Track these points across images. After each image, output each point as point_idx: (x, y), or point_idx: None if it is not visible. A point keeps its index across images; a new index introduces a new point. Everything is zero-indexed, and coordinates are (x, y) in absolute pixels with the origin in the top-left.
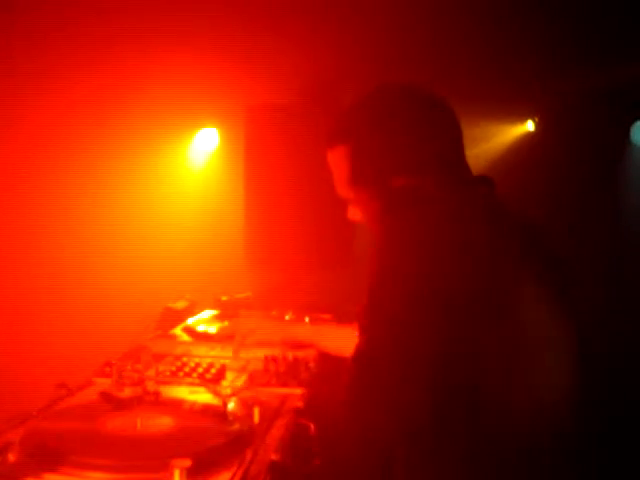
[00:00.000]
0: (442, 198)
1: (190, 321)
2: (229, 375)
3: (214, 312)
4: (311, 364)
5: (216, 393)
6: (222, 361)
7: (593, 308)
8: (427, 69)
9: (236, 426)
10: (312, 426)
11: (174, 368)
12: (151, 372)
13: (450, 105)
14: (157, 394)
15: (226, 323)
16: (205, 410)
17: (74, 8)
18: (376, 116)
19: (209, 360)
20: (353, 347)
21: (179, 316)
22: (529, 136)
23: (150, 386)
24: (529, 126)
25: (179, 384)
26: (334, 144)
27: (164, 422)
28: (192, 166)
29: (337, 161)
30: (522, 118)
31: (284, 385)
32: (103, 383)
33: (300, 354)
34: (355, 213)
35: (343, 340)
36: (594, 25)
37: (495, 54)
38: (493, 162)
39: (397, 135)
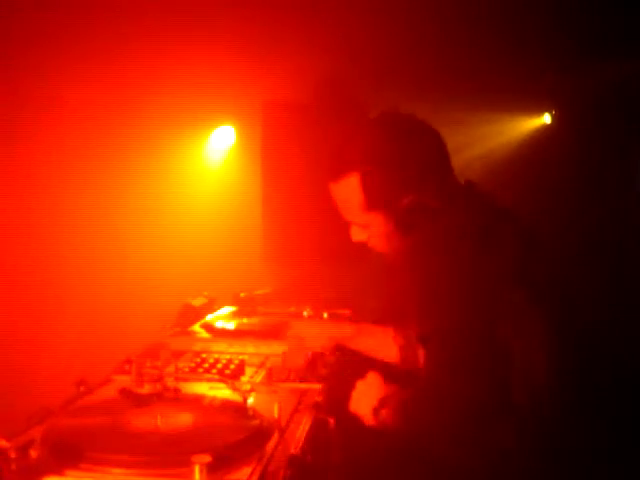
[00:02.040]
0: (448, 208)
1: (209, 318)
2: (248, 371)
3: (233, 309)
4: (330, 359)
5: (235, 389)
6: (241, 357)
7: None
8: (443, 64)
9: (256, 422)
10: (331, 421)
11: (193, 364)
12: (170, 369)
13: (433, 128)
14: (177, 390)
15: (245, 320)
16: (224, 406)
17: (90, 5)
18: (379, 144)
19: (228, 356)
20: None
21: (198, 313)
22: (546, 129)
23: (170, 382)
24: (546, 119)
25: (198, 380)
26: (342, 175)
27: (184, 418)
28: (209, 164)
29: (347, 190)
30: (539, 111)
31: (303, 380)
32: (123, 380)
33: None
34: (359, 234)
35: (380, 341)
36: (616, 16)
37: (511, 46)
38: (509, 155)
39: (400, 159)
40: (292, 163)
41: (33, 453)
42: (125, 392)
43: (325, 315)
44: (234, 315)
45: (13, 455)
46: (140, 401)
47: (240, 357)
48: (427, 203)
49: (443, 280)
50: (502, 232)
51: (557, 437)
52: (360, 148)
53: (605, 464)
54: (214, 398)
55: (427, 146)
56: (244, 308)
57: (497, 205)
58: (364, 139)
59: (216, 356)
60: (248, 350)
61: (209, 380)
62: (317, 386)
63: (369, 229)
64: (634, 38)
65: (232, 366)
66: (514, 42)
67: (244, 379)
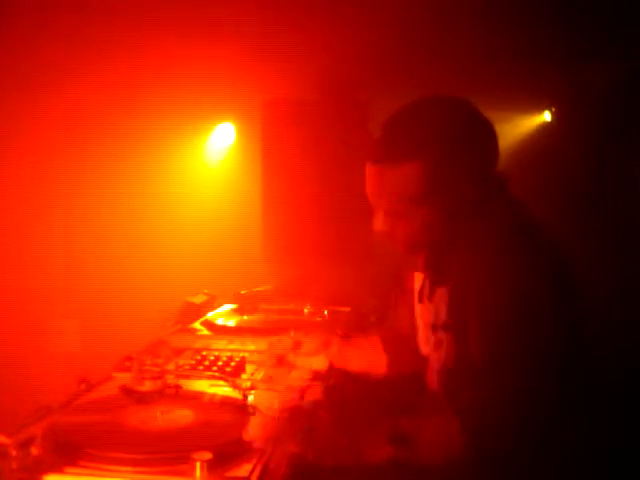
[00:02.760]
0: (493, 202)
1: (209, 315)
2: (249, 368)
3: (233, 306)
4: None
5: (236, 386)
6: (241, 354)
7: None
8: (443, 62)
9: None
10: (332, 418)
11: (194, 362)
12: (171, 366)
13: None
14: (177, 388)
15: (245, 317)
16: (225, 403)
17: (90, 2)
18: (444, 130)
19: (228, 353)
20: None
21: (198, 310)
22: (546, 127)
23: (170, 380)
24: (546, 116)
25: (199, 378)
26: (404, 160)
27: (184, 415)
28: (209, 161)
29: (406, 177)
30: (539, 108)
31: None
32: (123, 377)
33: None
34: (385, 224)
35: (368, 352)
36: (617, 12)
37: (510, 43)
38: (509, 154)
39: (465, 148)
40: (293, 161)
41: (34, 450)
42: (126, 389)
43: (325, 312)
44: (235, 312)
45: (14, 452)
46: (141, 398)
47: (241, 354)
48: (477, 196)
49: (500, 273)
50: (540, 230)
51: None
52: (428, 131)
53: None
54: (214, 395)
55: (486, 136)
56: (245, 305)
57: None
58: (433, 122)
59: (217, 353)
60: (248, 347)
61: (209, 377)
62: (318, 384)
63: (407, 220)
64: (634, 37)
65: (233, 363)
66: (514, 40)
67: (244, 376)
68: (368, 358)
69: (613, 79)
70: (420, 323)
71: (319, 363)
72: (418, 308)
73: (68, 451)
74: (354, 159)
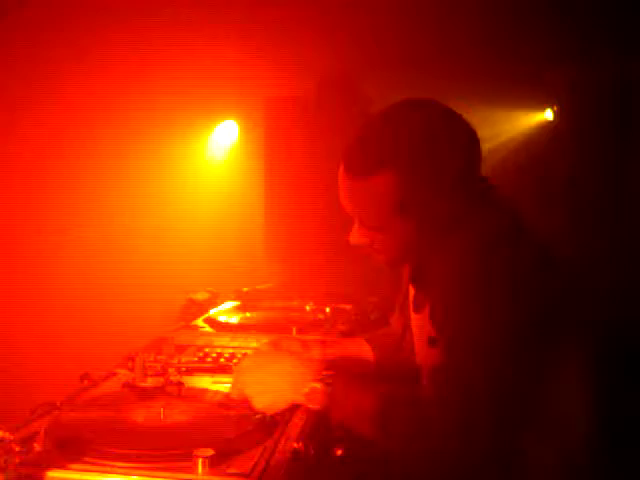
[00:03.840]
0: (478, 214)
1: (212, 312)
2: None
3: (236, 303)
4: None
5: None
6: (244, 351)
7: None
8: (444, 60)
9: (258, 415)
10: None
11: (196, 359)
12: (174, 363)
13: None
14: (180, 384)
15: (248, 314)
16: (227, 400)
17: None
18: (419, 139)
19: (231, 350)
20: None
21: (201, 307)
22: (547, 125)
23: (173, 376)
24: (547, 115)
25: (201, 374)
26: (374, 172)
27: (187, 412)
28: (212, 159)
29: (377, 189)
30: (540, 106)
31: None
32: (126, 374)
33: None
34: (361, 237)
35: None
36: (620, 10)
37: (511, 41)
38: (509, 152)
39: (442, 157)
40: (295, 159)
41: (37, 446)
42: (129, 386)
43: (327, 310)
44: (237, 310)
45: (17, 448)
46: (143, 395)
47: (243, 351)
48: (459, 208)
49: (481, 287)
50: (528, 238)
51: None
52: (401, 140)
53: None
54: (217, 392)
55: (467, 144)
56: (247, 303)
57: (516, 210)
58: (404, 132)
59: (219, 350)
60: (251, 344)
61: (212, 374)
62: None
63: (384, 234)
64: (634, 35)
65: (235, 360)
66: (515, 37)
67: None
68: (353, 361)
69: (613, 79)
70: (415, 334)
71: None
72: (413, 318)
73: (70, 447)
74: None
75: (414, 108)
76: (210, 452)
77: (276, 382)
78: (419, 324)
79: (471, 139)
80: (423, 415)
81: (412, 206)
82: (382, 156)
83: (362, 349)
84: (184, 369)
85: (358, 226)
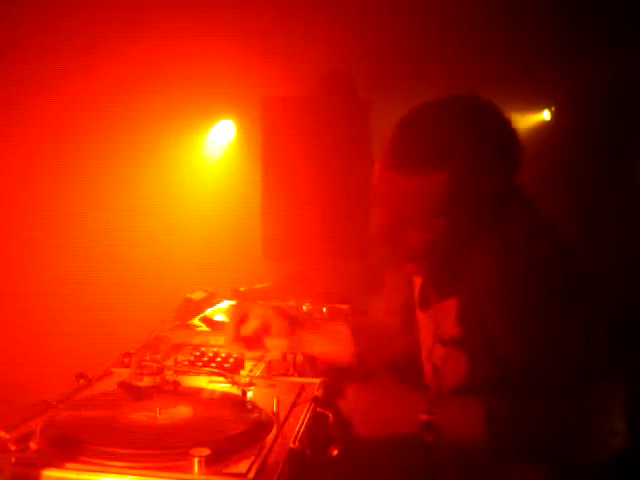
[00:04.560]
0: (515, 211)
1: (208, 311)
2: (247, 364)
3: (232, 303)
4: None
5: (234, 382)
6: (240, 350)
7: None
8: (443, 58)
9: (254, 415)
10: (330, 415)
11: (192, 358)
12: (170, 362)
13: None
14: (176, 383)
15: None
16: (224, 399)
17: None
18: (472, 138)
19: (227, 350)
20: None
21: (197, 307)
22: (545, 126)
23: (169, 376)
24: (545, 115)
25: (197, 374)
26: (431, 171)
27: (183, 411)
28: (209, 158)
29: (431, 188)
30: (537, 107)
31: (302, 374)
32: (122, 373)
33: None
34: (390, 231)
35: (334, 339)
36: (616, 11)
37: (509, 41)
38: None
39: (489, 157)
40: (292, 158)
41: (32, 445)
42: (124, 385)
43: (324, 309)
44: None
45: (12, 447)
46: (139, 394)
47: (239, 350)
48: (498, 205)
49: (528, 281)
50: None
51: None
52: (457, 139)
53: None
54: (213, 391)
55: (511, 141)
56: (243, 302)
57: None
58: (459, 128)
59: (215, 349)
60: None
61: (208, 373)
62: (316, 380)
63: (419, 229)
64: (634, 35)
65: (231, 360)
66: (512, 39)
67: (243, 373)
68: (332, 346)
69: (613, 79)
70: (423, 332)
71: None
72: (420, 316)
73: (66, 446)
74: (354, 157)
75: (462, 104)
76: (206, 452)
77: (387, 411)
78: (428, 323)
79: (514, 137)
80: (546, 400)
81: (458, 204)
82: (441, 154)
83: (342, 338)
84: (186, 363)
85: (390, 220)
